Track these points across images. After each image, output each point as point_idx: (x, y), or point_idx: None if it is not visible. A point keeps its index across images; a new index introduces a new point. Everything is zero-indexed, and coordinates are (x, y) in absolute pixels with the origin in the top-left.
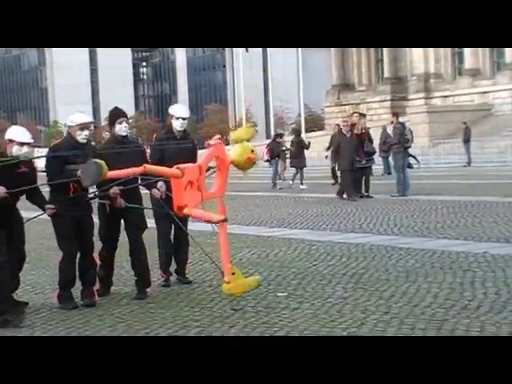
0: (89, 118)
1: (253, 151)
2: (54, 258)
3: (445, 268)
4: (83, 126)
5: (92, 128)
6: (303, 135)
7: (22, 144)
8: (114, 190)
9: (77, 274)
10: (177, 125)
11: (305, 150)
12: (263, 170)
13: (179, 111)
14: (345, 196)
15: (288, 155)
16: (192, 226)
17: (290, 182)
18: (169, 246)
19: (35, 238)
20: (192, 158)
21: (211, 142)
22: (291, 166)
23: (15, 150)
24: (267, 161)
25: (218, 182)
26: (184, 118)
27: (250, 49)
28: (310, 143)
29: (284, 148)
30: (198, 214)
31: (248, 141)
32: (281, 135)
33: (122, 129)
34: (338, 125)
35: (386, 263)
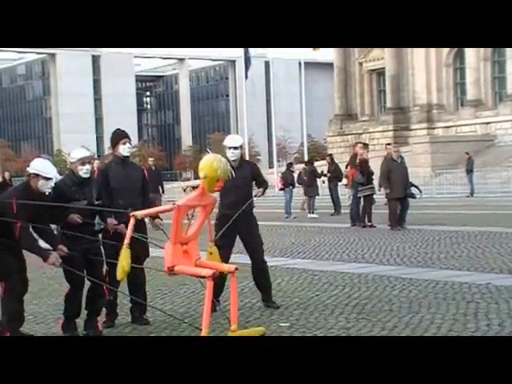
0: (88, 153)
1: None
2: (57, 289)
3: (448, 299)
4: (83, 161)
5: (94, 161)
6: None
7: (47, 179)
8: (111, 221)
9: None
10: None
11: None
12: (271, 199)
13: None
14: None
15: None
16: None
17: (309, 214)
18: (221, 276)
19: (37, 267)
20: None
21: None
22: (304, 195)
23: (41, 185)
24: (281, 189)
25: (195, 226)
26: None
27: (253, 78)
28: (322, 172)
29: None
30: (185, 270)
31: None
32: (310, 162)
33: (125, 149)
34: (330, 155)
35: (388, 293)
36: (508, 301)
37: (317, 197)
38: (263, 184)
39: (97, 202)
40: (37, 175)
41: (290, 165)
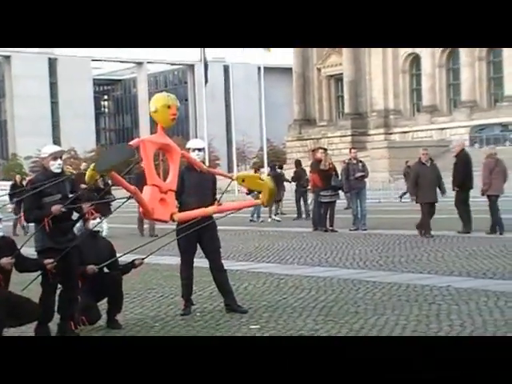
0: (59, 148)
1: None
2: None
3: (411, 301)
4: (55, 156)
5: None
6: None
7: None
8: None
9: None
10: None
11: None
12: None
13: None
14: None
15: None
16: (162, 260)
17: (269, 218)
18: (189, 278)
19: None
20: None
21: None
22: None
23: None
24: (248, 194)
25: (171, 174)
26: None
27: (212, 83)
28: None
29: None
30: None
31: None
32: (280, 166)
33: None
34: (298, 161)
35: (354, 296)
36: (468, 302)
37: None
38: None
39: (71, 196)
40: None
41: (256, 170)
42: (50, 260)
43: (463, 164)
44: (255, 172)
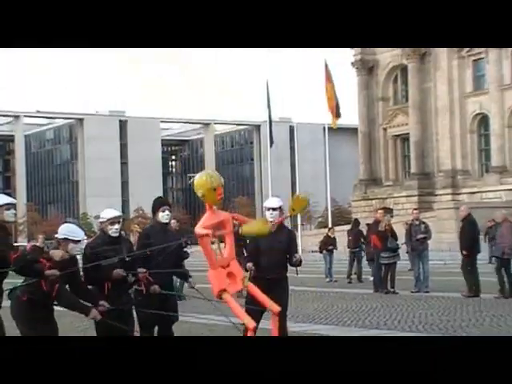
0: (117, 213)
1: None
2: None
3: None
4: (113, 221)
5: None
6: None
7: (76, 242)
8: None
9: None
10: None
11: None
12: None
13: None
14: None
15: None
16: (221, 322)
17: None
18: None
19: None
20: None
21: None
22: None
23: (71, 248)
24: (321, 252)
25: (228, 246)
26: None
27: (277, 143)
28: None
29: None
30: (231, 304)
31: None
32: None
33: (164, 216)
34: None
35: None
36: None
37: (338, 262)
38: (294, 259)
39: (127, 259)
40: (65, 239)
41: (329, 229)
42: (106, 304)
43: (470, 228)
44: (329, 230)
